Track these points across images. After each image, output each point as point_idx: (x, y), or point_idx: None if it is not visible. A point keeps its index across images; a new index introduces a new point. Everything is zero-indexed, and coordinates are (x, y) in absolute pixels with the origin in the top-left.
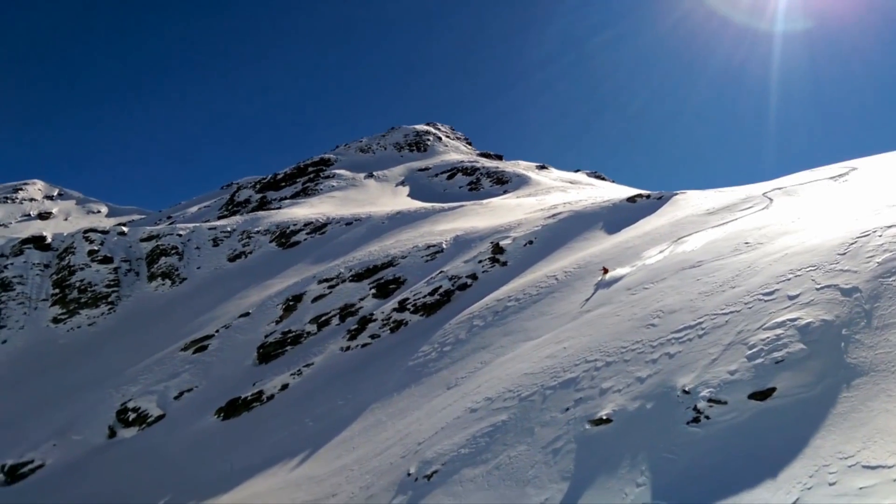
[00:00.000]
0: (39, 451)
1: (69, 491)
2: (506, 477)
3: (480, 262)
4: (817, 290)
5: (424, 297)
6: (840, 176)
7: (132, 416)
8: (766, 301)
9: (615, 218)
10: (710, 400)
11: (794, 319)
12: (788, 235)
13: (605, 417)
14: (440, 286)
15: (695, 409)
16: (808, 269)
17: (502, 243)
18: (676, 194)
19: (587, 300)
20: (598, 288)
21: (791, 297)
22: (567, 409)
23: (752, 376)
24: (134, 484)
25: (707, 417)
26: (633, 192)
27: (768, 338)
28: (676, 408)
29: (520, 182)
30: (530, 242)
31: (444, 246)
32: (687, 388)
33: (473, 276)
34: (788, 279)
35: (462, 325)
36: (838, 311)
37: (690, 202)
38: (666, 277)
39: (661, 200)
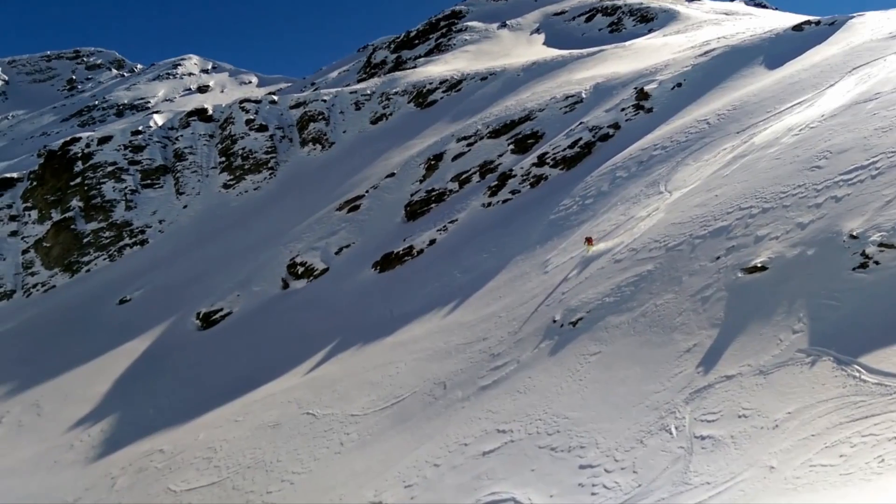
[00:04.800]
0: (226, 301)
1: (255, 333)
2: (652, 324)
3: (623, 109)
4: None
5: (564, 150)
6: None
7: (300, 269)
8: None
9: (778, 50)
10: (881, 244)
11: None
12: None
13: (759, 265)
14: (580, 138)
15: (863, 254)
16: None
17: (647, 88)
18: (853, 17)
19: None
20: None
21: None
22: (718, 258)
23: None
24: (309, 327)
25: (876, 263)
26: (800, 18)
27: None
28: (841, 254)
29: (667, 18)
30: (678, 85)
31: (583, 95)
32: (855, 233)
33: (616, 126)
34: None
35: (604, 178)
36: None
37: (869, 26)
38: (836, 114)
39: (833, 27)
